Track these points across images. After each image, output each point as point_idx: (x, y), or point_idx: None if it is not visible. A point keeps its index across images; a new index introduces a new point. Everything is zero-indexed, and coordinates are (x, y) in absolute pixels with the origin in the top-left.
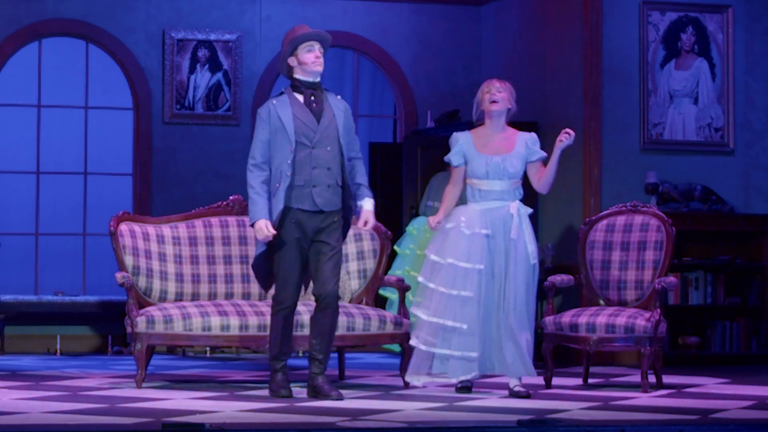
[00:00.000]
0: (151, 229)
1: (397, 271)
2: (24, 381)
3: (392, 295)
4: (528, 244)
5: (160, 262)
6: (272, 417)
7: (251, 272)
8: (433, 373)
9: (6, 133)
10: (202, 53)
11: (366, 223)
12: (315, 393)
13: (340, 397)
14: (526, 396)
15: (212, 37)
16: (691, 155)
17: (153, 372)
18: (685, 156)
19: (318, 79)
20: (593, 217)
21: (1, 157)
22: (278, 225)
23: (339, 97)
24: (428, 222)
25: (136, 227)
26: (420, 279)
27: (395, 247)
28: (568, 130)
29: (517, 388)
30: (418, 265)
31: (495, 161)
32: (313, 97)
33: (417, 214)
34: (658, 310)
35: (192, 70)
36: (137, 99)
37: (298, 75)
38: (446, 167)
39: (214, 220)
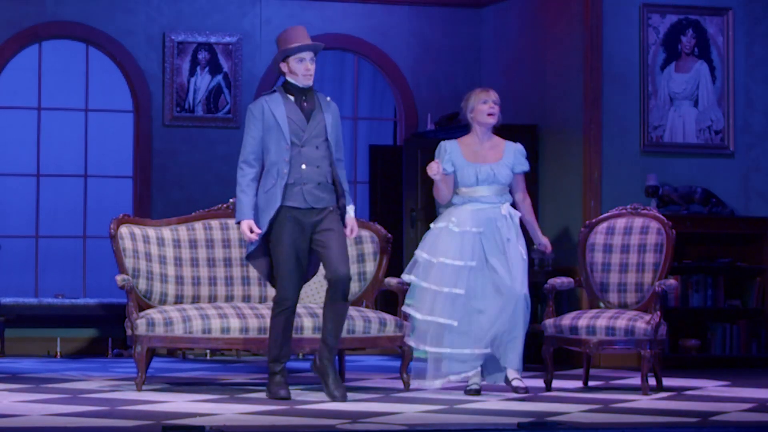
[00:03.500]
0: (151, 232)
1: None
2: (24, 384)
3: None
4: (518, 244)
5: (161, 264)
6: (272, 420)
7: (252, 274)
8: (445, 374)
9: (6, 135)
10: (203, 56)
11: (352, 231)
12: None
13: (342, 399)
14: (525, 391)
15: (212, 39)
16: (692, 158)
17: (153, 375)
18: (685, 158)
19: (309, 85)
20: (593, 220)
21: (2, 159)
22: (275, 223)
23: (329, 99)
24: (428, 167)
25: (137, 230)
26: (411, 279)
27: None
28: (550, 250)
29: (516, 382)
30: None
31: (485, 170)
32: (304, 97)
33: (418, 217)
34: (659, 313)
35: (192, 72)
36: (137, 101)
37: (291, 79)
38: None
39: (215, 223)
